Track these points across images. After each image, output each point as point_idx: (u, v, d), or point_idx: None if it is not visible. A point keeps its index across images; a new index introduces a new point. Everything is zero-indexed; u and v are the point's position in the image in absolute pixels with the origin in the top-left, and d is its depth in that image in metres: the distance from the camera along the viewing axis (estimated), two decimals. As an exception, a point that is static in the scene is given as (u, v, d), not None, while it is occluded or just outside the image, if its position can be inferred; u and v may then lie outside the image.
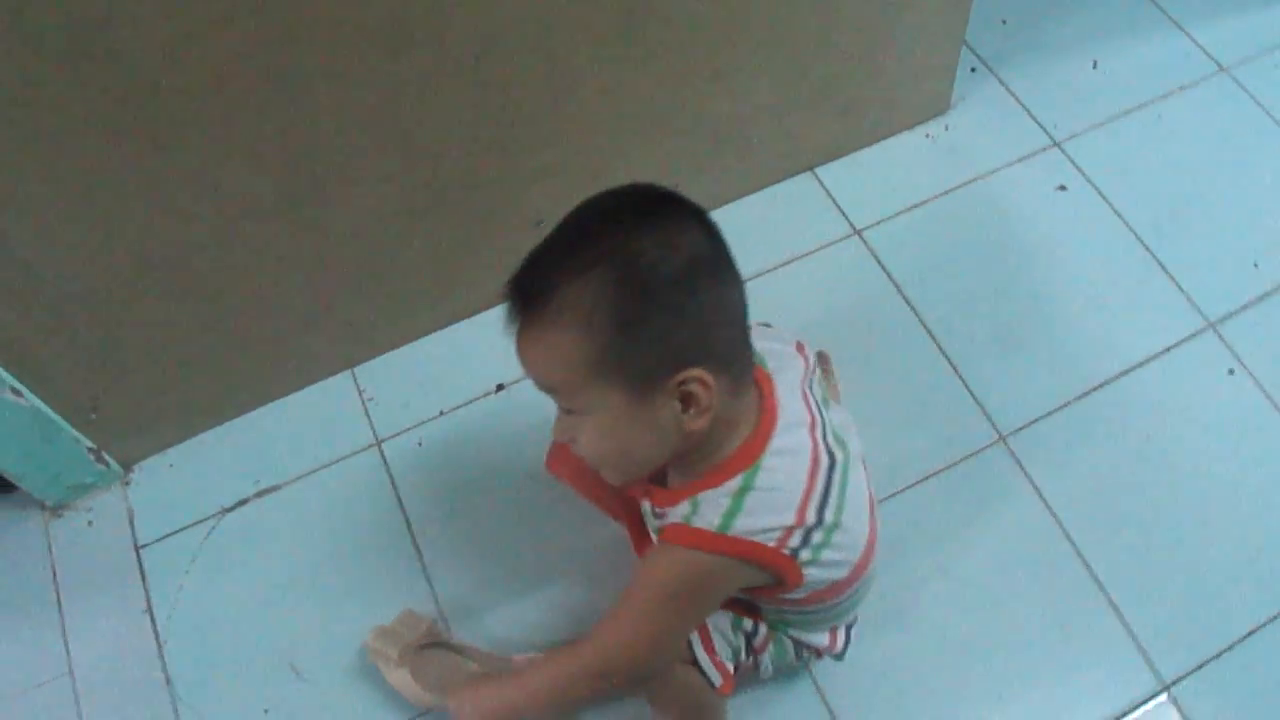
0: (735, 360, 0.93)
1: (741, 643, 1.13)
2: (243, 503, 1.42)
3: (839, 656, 1.17)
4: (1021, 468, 1.38)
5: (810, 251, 1.55)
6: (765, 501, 0.92)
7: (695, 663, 1.08)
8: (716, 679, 1.09)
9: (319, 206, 1.24)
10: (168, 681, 1.31)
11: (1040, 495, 1.36)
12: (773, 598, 1.04)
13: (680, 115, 1.40)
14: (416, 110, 1.19)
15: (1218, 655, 1.25)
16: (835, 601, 1.07)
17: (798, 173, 1.61)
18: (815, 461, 0.96)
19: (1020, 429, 1.40)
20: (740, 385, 0.94)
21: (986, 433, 1.40)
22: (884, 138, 1.64)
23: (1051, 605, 1.29)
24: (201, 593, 1.37)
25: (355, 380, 1.49)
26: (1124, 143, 1.64)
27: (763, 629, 1.14)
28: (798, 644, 1.16)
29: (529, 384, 0.95)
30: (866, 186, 1.60)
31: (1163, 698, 1.24)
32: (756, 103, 1.44)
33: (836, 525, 0.97)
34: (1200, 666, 1.25)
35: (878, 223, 1.58)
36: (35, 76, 0.96)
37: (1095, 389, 1.43)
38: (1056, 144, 1.64)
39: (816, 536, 0.95)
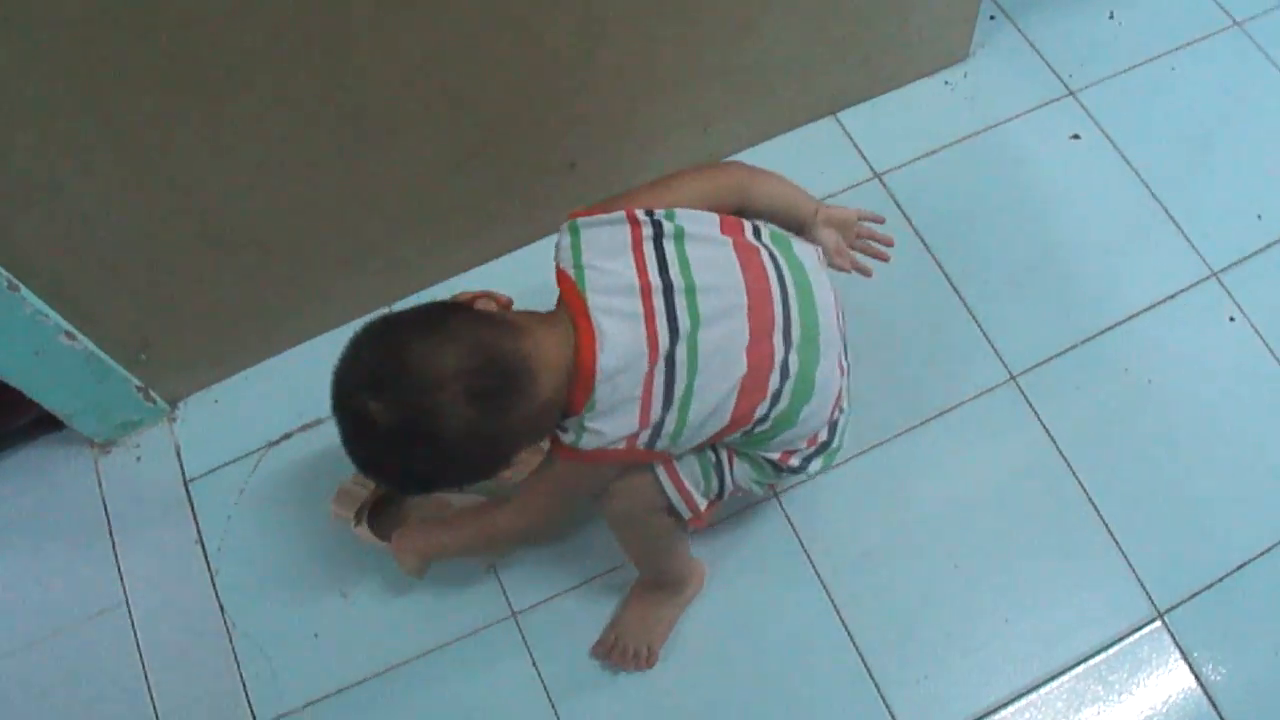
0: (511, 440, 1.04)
1: (712, 473, 1.19)
2: (287, 436, 1.48)
3: (797, 470, 1.21)
4: (1030, 406, 1.45)
5: (832, 194, 1.59)
6: (604, 425, 1.04)
7: (666, 502, 1.17)
8: (685, 512, 1.18)
9: (366, 155, 1.27)
10: (221, 608, 1.39)
11: (1047, 432, 1.43)
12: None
13: (709, 65, 1.43)
14: (459, 63, 1.22)
15: (1209, 586, 1.34)
16: (752, 433, 1.12)
17: (820, 117, 1.65)
18: (652, 359, 1.03)
19: (1030, 369, 1.47)
20: (531, 410, 1.02)
21: (998, 372, 1.47)
22: (904, 84, 1.67)
23: (1055, 535, 1.38)
24: (250, 523, 1.43)
25: (393, 318, 1.54)
26: (1137, 94, 1.68)
27: (723, 451, 1.20)
28: (764, 459, 1.19)
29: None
30: (887, 131, 1.64)
31: (1156, 624, 1.33)
32: (783, 52, 1.47)
33: (689, 398, 1.05)
34: (1193, 596, 1.34)
35: (897, 167, 1.62)
36: (100, 34, 0.99)
37: (1102, 332, 1.49)
38: (1072, 93, 1.67)
39: (669, 424, 1.05)
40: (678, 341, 1.03)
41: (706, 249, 1.09)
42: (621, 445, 1.04)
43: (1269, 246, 1.55)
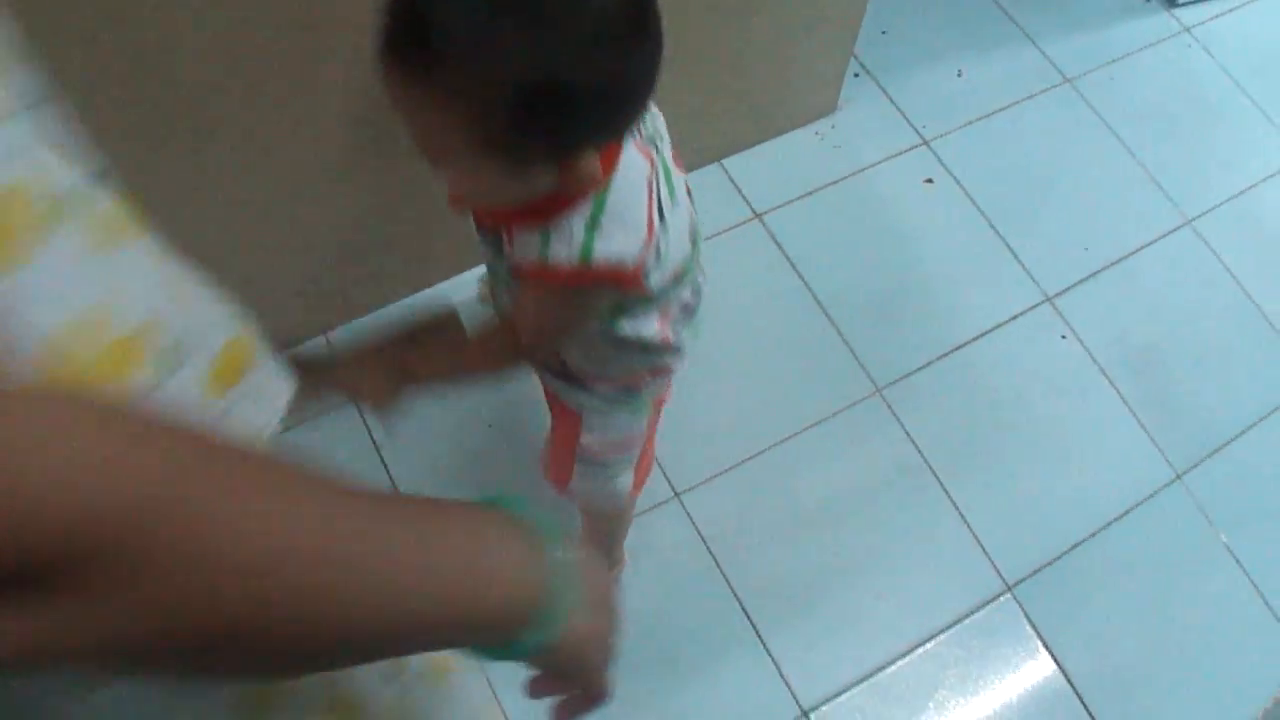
0: (627, 128, 0.83)
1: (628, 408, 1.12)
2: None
3: (675, 350, 1.06)
4: (894, 414, 1.65)
5: (718, 232, 1.79)
6: (618, 223, 0.84)
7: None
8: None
9: (384, 161, 1.37)
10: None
11: (909, 436, 1.64)
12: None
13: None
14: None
15: (1049, 563, 1.56)
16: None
17: (707, 164, 1.84)
18: (651, 162, 0.89)
19: (893, 383, 1.68)
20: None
21: (865, 386, 1.68)
22: (780, 134, 1.88)
23: (919, 524, 1.58)
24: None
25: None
26: (982, 143, 1.92)
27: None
28: (635, 342, 1.01)
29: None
30: (766, 176, 1.85)
31: (1006, 596, 1.53)
32: (682, 107, 1.65)
33: (672, 209, 0.91)
34: (1035, 572, 1.55)
35: (775, 208, 1.82)
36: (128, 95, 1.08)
37: (955, 350, 1.72)
38: (925, 142, 1.91)
39: (662, 245, 0.89)
40: (655, 160, 0.90)
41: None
42: (632, 263, 0.85)
43: (1094, 274, 1.79)
